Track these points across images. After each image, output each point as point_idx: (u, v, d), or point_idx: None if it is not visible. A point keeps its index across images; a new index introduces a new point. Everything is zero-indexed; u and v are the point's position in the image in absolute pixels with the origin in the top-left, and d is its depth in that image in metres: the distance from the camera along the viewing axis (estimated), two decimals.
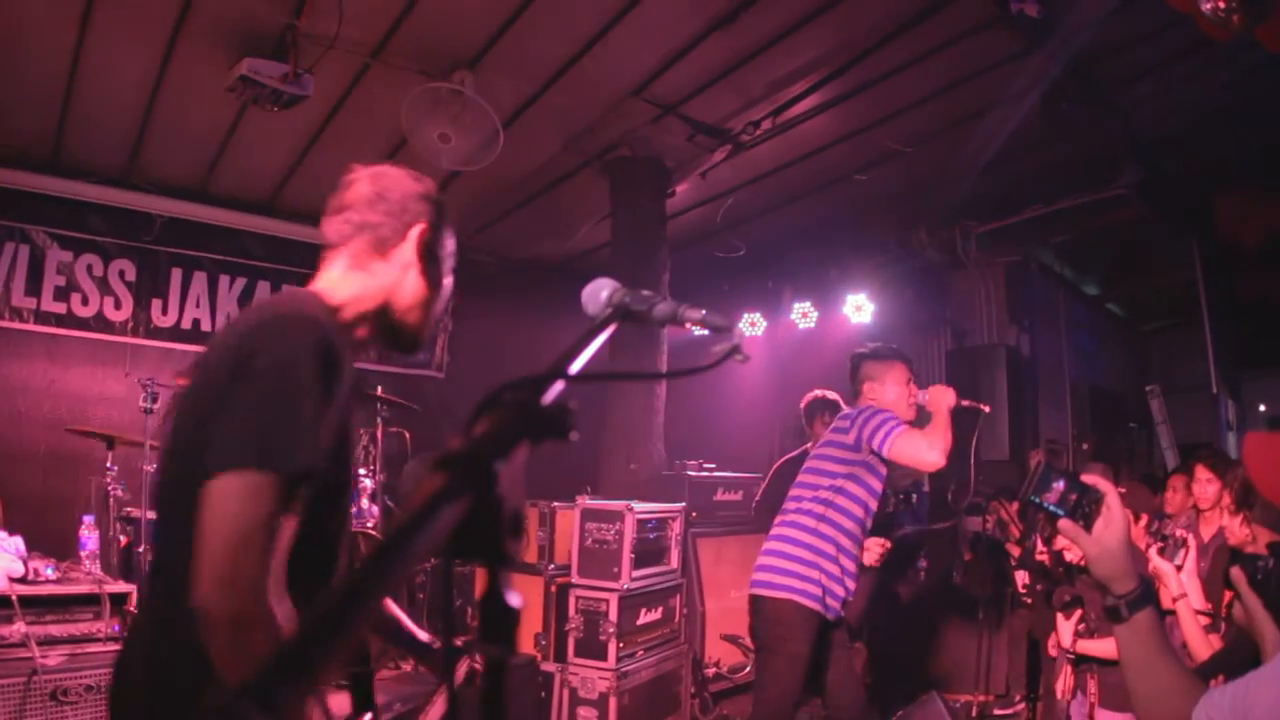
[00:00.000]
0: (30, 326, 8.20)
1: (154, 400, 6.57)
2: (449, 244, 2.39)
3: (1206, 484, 5.66)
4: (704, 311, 1.76)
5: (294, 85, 6.24)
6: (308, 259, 9.01)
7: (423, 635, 2.55)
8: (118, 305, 8.68)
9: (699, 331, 7.70)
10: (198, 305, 9.19)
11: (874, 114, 7.68)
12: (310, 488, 1.86)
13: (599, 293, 1.76)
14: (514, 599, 0.91)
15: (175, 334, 9.01)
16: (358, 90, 7.04)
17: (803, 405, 7.48)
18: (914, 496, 9.32)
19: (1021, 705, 6.98)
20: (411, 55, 6.60)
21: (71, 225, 8.39)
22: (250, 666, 1.65)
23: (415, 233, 2.26)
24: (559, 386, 1.08)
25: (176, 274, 9.06)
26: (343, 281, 2.23)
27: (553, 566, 7.10)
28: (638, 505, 6.90)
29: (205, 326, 9.13)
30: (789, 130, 7.85)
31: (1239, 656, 3.47)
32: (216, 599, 1.68)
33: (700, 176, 8.52)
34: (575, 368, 1.27)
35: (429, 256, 2.29)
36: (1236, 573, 2.88)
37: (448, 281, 2.39)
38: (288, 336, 1.92)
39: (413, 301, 2.29)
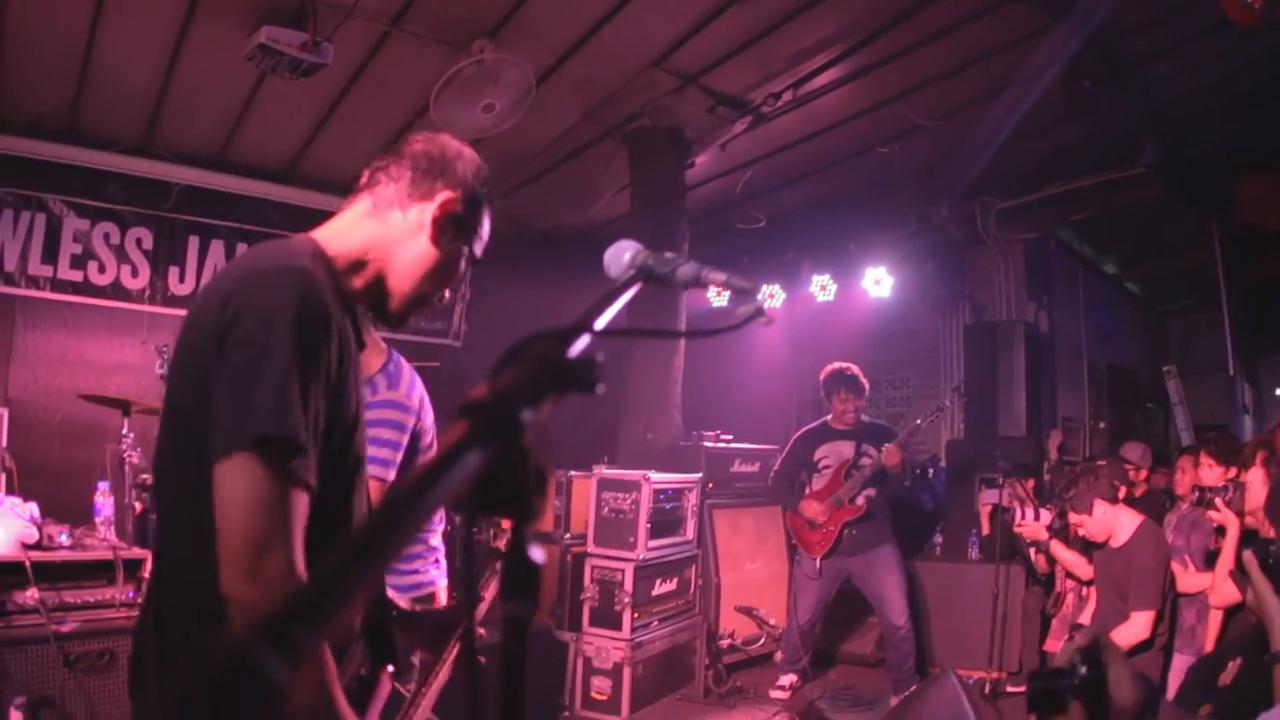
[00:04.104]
0: (47, 295, 8.18)
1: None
2: (479, 228, 2.23)
3: (1209, 469, 5.71)
4: (727, 274, 1.73)
5: (313, 53, 6.20)
6: None
7: (401, 602, 2.49)
8: (135, 273, 8.65)
9: (717, 302, 7.68)
10: (215, 273, 9.13)
11: (895, 87, 7.63)
12: (319, 458, 1.80)
13: (621, 254, 1.73)
14: (537, 555, 0.89)
15: (192, 302, 8.92)
16: (377, 58, 7.00)
17: (822, 378, 7.48)
18: (930, 471, 9.31)
19: None
20: (431, 24, 6.56)
21: (88, 194, 8.36)
22: None
23: (442, 196, 2.11)
24: (584, 341, 1.06)
25: (194, 242, 9.00)
26: (351, 228, 2.13)
27: (568, 536, 7.13)
28: (654, 475, 6.92)
29: None
30: (810, 103, 7.81)
31: (1248, 641, 3.47)
32: (244, 590, 1.65)
33: (720, 148, 8.48)
34: (599, 325, 1.26)
35: (447, 226, 2.13)
36: (1249, 556, 2.88)
37: (461, 264, 2.23)
38: (267, 295, 1.82)
39: (411, 267, 2.13)
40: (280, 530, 1.68)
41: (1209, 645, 5.09)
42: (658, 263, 1.69)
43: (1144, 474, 7.61)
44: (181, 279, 8.95)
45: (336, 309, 1.90)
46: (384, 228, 2.11)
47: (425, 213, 2.11)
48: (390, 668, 2.22)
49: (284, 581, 1.65)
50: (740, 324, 1.67)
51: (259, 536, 1.66)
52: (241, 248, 9.22)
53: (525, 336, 1.00)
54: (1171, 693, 4.83)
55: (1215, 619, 5.09)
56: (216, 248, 9.11)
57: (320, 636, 0.68)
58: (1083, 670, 1.66)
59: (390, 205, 2.12)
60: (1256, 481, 4.55)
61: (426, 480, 0.78)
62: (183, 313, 8.78)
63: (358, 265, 2.10)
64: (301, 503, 1.74)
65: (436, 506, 0.78)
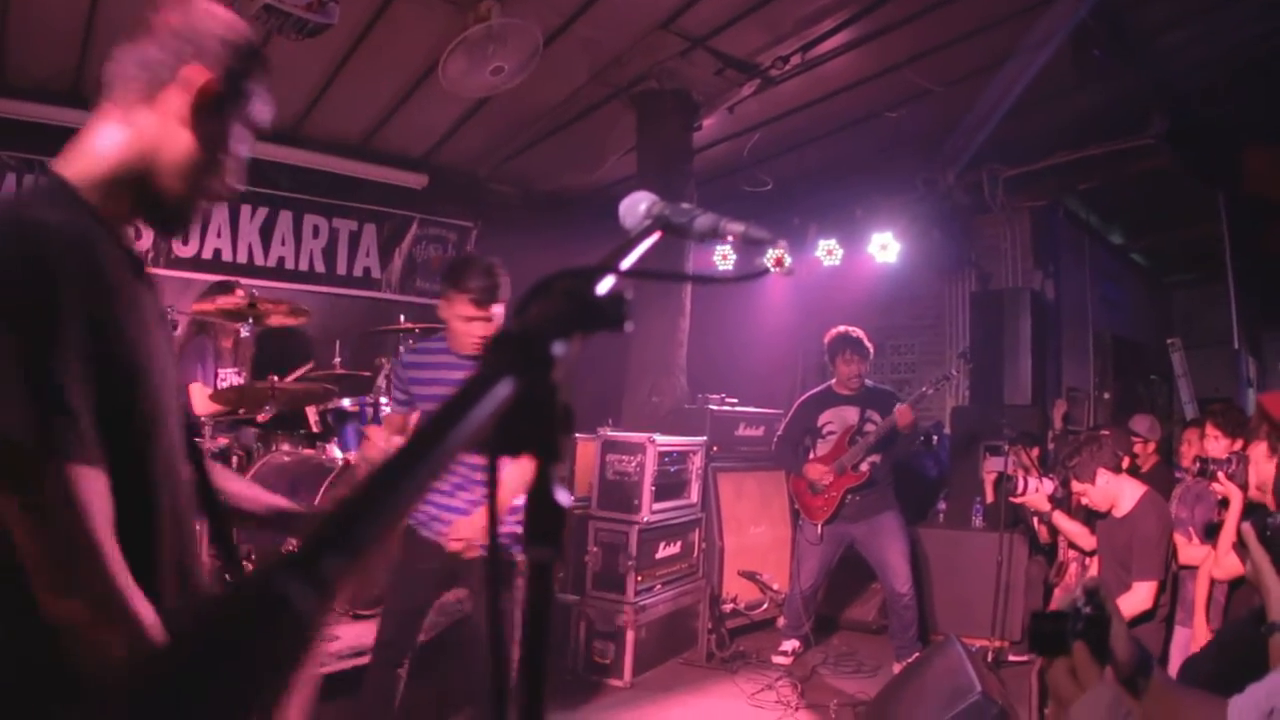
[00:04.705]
0: None
1: (174, 329, 6.53)
2: (251, 107, 1.93)
3: (1214, 440, 5.70)
4: (746, 225, 1.71)
5: (319, 13, 6.13)
6: (332, 188, 8.89)
7: (283, 502, 2.28)
8: (138, 235, 8.54)
9: (724, 264, 7.58)
10: (219, 235, 9.09)
11: (904, 52, 7.58)
12: (103, 421, 1.58)
13: (637, 205, 1.70)
14: (563, 497, 0.87)
15: (196, 264, 8.90)
16: (384, 18, 6.95)
17: (826, 341, 7.46)
18: (935, 438, 9.30)
19: None
20: None
21: None
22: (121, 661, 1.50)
23: (195, 78, 1.80)
24: (609, 281, 1.04)
25: None
26: (97, 144, 1.81)
27: (573, 498, 7.11)
28: (659, 438, 6.92)
29: (226, 257, 9.08)
30: (818, 67, 7.77)
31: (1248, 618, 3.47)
32: (66, 607, 1.49)
33: (728, 111, 8.43)
34: (621, 270, 1.24)
35: (207, 110, 1.82)
36: (1247, 528, 2.88)
37: (236, 150, 1.92)
38: None
39: (177, 165, 1.83)
40: (78, 533, 1.49)
41: (1199, 613, 5.09)
42: (675, 213, 1.66)
43: (1151, 447, 7.60)
44: (185, 241, 8.88)
45: (82, 249, 1.63)
46: (134, 131, 1.81)
47: (175, 98, 1.81)
48: None
49: (103, 582, 1.51)
50: (761, 272, 1.65)
51: (59, 553, 1.49)
52: (245, 209, 9.19)
53: (551, 274, 0.98)
54: (1174, 665, 4.84)
55: (1204, 588, 5.09)
56: (220, 209, 9.04)
57: (352, 569, 0.66)
58: (1086, 610, 1.66)
59: (137, 102, 1.82)
60: (1261, 455, 4.53)
61: (456, 408, 0.76)
62: (186, 275, 8.58)
63: (114, 184, 1.80)
64: (95, 483, 1.54)
65: (467, 435, 0.76)
